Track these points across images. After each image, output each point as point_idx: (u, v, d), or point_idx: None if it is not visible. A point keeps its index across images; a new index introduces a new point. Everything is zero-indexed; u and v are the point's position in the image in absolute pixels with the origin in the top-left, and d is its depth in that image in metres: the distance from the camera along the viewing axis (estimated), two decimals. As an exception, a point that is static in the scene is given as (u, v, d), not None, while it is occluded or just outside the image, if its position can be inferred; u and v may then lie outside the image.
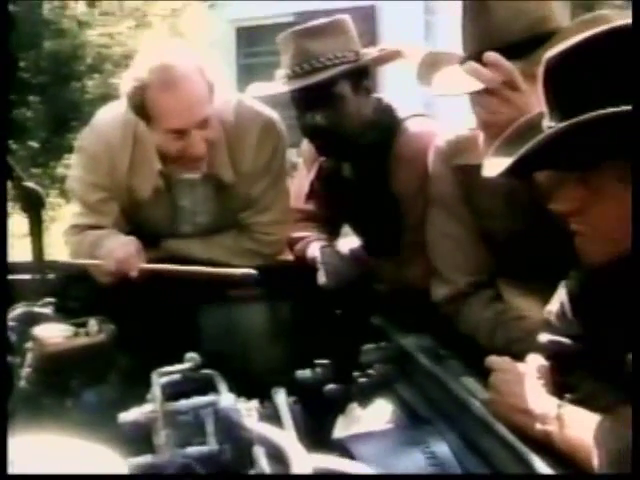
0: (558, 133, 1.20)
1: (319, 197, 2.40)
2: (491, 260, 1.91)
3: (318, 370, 1.84)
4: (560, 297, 1.46)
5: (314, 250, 2.29)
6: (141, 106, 2.05)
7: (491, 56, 1.64)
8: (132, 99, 2.06)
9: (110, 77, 7.24)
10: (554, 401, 1.30)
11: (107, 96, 6.49)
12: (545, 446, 1.24)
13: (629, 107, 1.12)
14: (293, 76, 2.12)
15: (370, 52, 2.20)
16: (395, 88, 4.92)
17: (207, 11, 8.74)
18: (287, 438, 1.21)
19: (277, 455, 1.15)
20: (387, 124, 2.21)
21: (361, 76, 2.17)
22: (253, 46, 11.39)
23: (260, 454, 1.18)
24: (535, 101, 1.41)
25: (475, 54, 1.68)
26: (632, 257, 1.15)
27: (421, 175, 2.03)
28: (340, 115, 2.12)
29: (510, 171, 1.29)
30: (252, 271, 2.08)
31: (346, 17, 2.19)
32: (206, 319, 2.23)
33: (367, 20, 9.58)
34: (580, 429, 1.21)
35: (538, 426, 1.27)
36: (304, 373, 1.84)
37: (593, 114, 1.16)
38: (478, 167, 1.76)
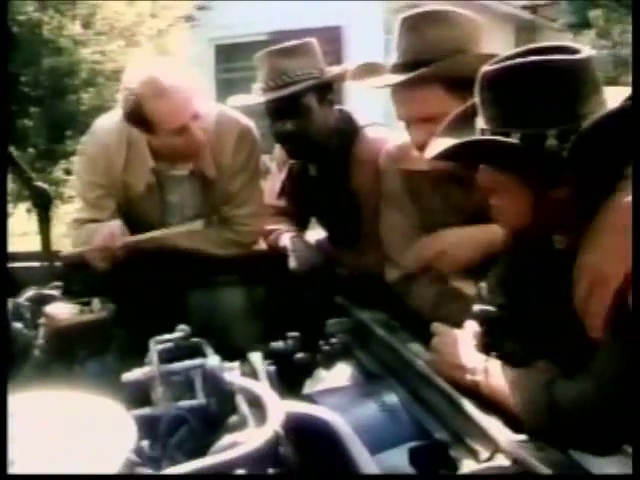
0: (465, 144, 1.29)
1: (289, 194, 2.45)
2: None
3: (289, 342, 1.88)
4: (490, 275, 1.58)
5: (285, 240, 2.34)
6: (140, 119, 2.10)
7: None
8: (131, 114, 2.11)
9: (103, 90, 7.19)
10: (482, 358, 1.40)
11: (100, 107, 6.45)
12: (475, 393, 1.35)
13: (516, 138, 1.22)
14: (267, 89, 2.19)
15: (333, 70, 2.28)
16: (359, 99, 5.03)
17: (189, 31, 8.72)
18: (263, 387, 1.27)
19: (255, 402, 1.20)
20: (348, 131, 2.29)
21: (325, 90, 2.24)
22: (230, 62, 11.36)
23: (241, 401, 1.23)
24: None
25: (405, 62, 1.79)
26: (633, 257, 1.17)
27: (375, 175, 2.11)
28: (307, 123, 2.20)
29: (439, 158, 1.40)
30: None
31: (313, 40, 2.27)
32: (194, 300, 2.28)
33: (334, 39, 9.63)
34: (501, 378, 1.32)
35: (469, 377, 1.37)
36: (277, 344, 1.87)
37: (486, 137, 1.26)
38: (420, 171, 1.89)
